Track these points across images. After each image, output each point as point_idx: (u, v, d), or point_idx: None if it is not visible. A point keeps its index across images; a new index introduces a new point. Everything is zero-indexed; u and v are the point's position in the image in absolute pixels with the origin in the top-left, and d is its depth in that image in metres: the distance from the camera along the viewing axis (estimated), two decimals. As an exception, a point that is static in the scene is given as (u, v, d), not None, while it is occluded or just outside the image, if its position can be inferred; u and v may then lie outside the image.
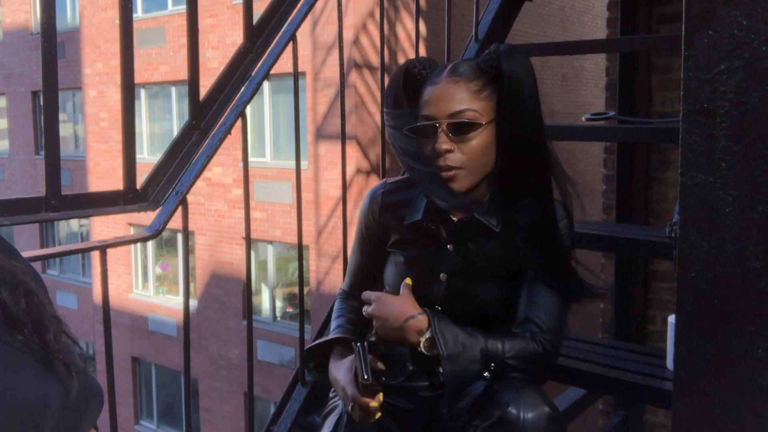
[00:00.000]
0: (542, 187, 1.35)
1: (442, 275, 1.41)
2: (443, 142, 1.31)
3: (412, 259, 1.44)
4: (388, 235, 1.47)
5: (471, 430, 1.28)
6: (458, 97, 1.32)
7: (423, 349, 1.29)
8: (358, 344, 1.30)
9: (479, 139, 1.32)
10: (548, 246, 1.36)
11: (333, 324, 1.55)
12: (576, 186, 1.41)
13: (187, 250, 1.57)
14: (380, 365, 1.33)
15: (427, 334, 1.29)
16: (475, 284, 1.40)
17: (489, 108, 1.33)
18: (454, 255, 1.40)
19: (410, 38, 8.88)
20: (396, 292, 1.47)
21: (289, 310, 10.44)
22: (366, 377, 1.26)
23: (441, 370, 1.28)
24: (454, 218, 1.40)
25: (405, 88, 1.40)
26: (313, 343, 1.44)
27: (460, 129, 1.32)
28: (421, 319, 1.31)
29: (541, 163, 1.35)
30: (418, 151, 1.36)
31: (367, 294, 1.40)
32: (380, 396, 1.30)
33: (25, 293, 0.75)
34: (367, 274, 1.55)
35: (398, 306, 1.34)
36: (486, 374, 1.28)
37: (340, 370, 1.38)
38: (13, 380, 0.70)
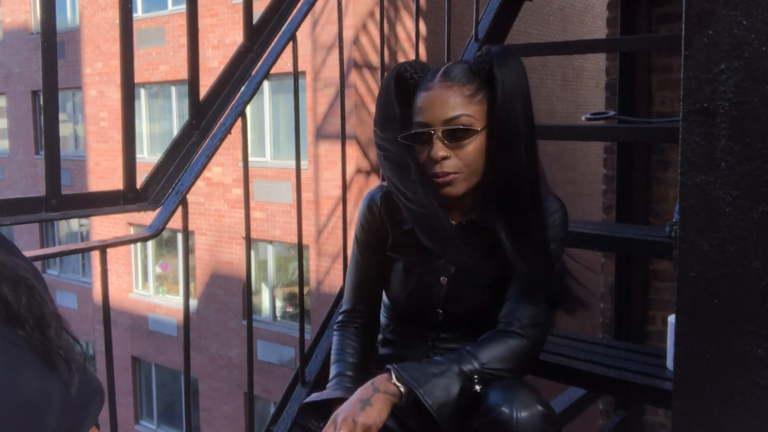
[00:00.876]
0: (532, 189, 1.35)
1: (442, 279, 1.42)
2: (439, 149, 1.31)
3: (412, 264, 1.44)
4: (387, 238, 1.46)
5: (465, 429, 1.28)
6: (452, 103, 1.31)
7: (404, 399, 1.24)
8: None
9: (474, 144, 1.31)
10: (536, 246, 1.35)
11: (332, 369, 1.49)
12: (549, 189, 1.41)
13: (187, 250, 1.57)
14: None
15: (395, 382, 1.24)
16: (475, 287, 1.40)
17: (483, 112, 1.32)
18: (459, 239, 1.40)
19: (410, 38, 8.88)
20: (398, 297, 1.47)
21: (289, 309, 10.44)
22: None
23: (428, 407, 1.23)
24: (453, 222, 1.40)
25: (397, 92, 1.39)
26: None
27: (456, 135, 1.31)
28: (382, 377, 1.26)
29: (532, 165, 1.34)
30: (412, 179, 1.34)
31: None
32: None
33: (27, 289, 0.75)
34: (369, 283, 1.52)
35: (354, 396, 1.25)
36: (477, 388, 1.27)
37: None
38: (14, 378, 0.70)
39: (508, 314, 1.35)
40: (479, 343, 1.32)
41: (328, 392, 1.41)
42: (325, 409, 1.38)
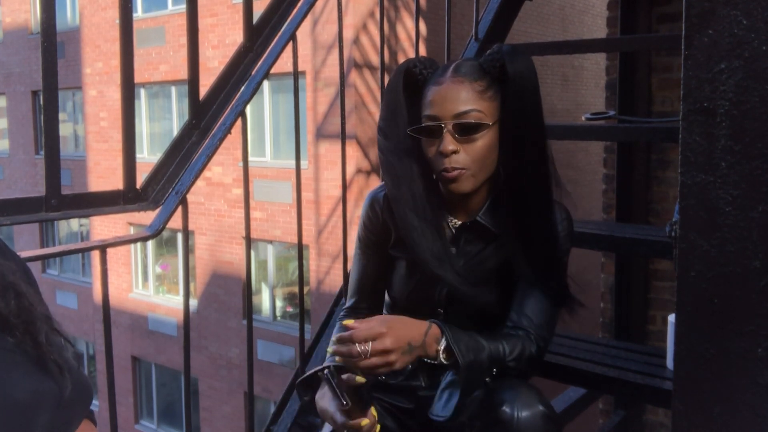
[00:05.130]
0: (543, 189, 1.35)
1: None
2: (449, 143, 1.30)
3: (414, 263, 1.44)
4: (390, 236, 1.46)
5: (468, 429, 1.28)
6: (463, 98, 1.31)
7: (443, 359, 1.25)
8: (325, 372, 1.26)
9: (484, 140, 1.31)
10: (544, 250, 1.35)
11: (329, 353, 1.50)
12: (567, 193, 1.40)
13: (187, 250, 1.57)
14: (359, 379, 1.22)
15: (443, 344, 1.25)
16: (476, 287, 1.40)
17: (493, 108, 1.32)
18: (455, 258, 1.40)
19: (410, 38, 8.87)
20: (401, 297, 1.47)
21: (289, 309, 10.45)
22: (345, 403, 1.22)
23: (457, 378, 1.24)
24: (458, 221, 1.40)
25: (405, 87, 1.39)
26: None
27: (466, 130, 1.30)
28: (436, 329, 1.26)
29: (542, 165, 1.34)
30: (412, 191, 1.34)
31: (367, 330, 1.20)
32: (372, 411, 1.25)
33: (16, 295, 0.75)
34: (372, 281, 1.52)
35: (409, 326, 1.24)
36: (488, 379, 1.28)
37: (324, 400, 1.31)
38: (5, 381, 0.71)
39: (520, 318, 1.35)
40: (503, 335, 1.31)
41: (315, 369, 1.40)
42: (317, 382, 1.38)
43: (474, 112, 1.30)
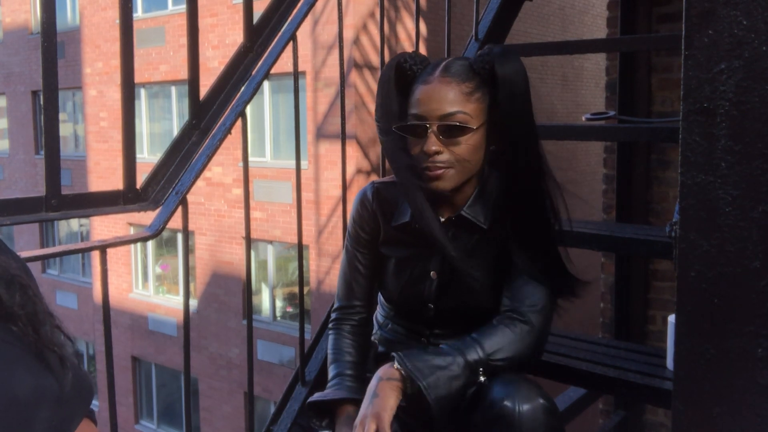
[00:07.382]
0: (535, 188, 1.35)
1: (432, 273, 1.42)
2: (432, 144, 1.30)
3: (403, 259, 1.44)
4: (379, 234, 1.47)
5: (469, 425, 1.28)
6: (450, 99, 1.30)
7: (408, 390, 1.25)
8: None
9: (469, 142, 1.31)
10: (537, 240, 1.36)
11: (331, 369, 1.48)
12: (564, 192, 1.40)
13: (187, 250, 1.57)
14: None
15: (397, 367, 1.25)
16: (465, 281, 1.40)
17: (480, 110, 1.32)
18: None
19: (410, 38, 8.87)
20: (392, 294, 1.48)
21: (289, 309, 10.45)
22: None
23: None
24: (442, 218, 1.40)
25: (395, 82, 1.39)
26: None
27: (451, 131, 1.30)
28: (386, 365, 1.28)
29: (531, 164, 1.34)
30: (409, 163, 1.35)
31: None
32: None
33: (20, 287, 0.75)
34: (363, 278, 1.52)
35: (366, 393, 1.28)
36: (482, 379, 1.27)
37: None
38: (5, 375, 0.71)
39: (511, 301, 1.35)
40: (485, 331, 1.31)
41: (332, 392, 1.41)
42: (328, 409, 1.39)
43: (460, 114, 1.30)
